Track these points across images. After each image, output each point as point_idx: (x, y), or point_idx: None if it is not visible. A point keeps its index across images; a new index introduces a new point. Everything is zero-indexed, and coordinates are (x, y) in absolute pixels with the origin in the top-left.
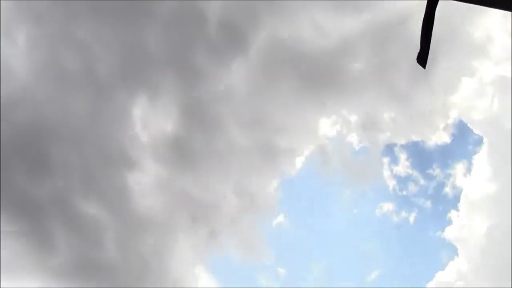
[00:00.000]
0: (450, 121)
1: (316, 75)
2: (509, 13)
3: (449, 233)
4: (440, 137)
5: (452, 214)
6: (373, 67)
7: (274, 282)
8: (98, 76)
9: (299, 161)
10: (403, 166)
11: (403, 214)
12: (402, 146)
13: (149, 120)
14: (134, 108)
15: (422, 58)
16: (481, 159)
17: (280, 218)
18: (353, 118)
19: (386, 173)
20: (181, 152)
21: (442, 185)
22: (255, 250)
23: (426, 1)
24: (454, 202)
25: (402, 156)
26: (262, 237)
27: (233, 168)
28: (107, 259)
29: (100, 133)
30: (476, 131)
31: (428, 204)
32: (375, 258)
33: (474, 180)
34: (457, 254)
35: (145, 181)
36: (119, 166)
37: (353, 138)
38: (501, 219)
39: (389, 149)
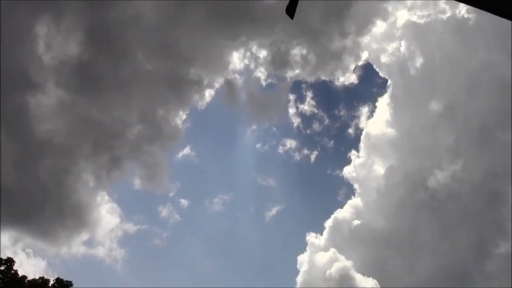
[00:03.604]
0: (360, 62)
1: (228, 6)
2: None
3: (348, 173)
4: (348, 78)
5: (353, 154)
6: (285, 1)
7: (176, 213)
8: None
9: (208, 94)
10: (309, 105)
11: (305, 152)
12: (310, 84)
13: (53, 41)
14: (38, 27)
15: (290, 10)
16: (385, 102)
17: (187, 150)
18: (263, 53)
19: (292, 110)
20: (85, 77)
21: (346, 126)
22: (159, 180)
23: None
24: (355, 143)
25: (309, 95)
26: (167, 167)
27: (139, 96)
28: (5, 184)
29: None
30: (382, 74)
31: (331, 144)
32: (276, 194)
33: (376, 122)
34: (355, 194)
35: (46, 104)
36: (19, 87)
37: (261, 73)
38: (398, 162)
39: (297, 86)
